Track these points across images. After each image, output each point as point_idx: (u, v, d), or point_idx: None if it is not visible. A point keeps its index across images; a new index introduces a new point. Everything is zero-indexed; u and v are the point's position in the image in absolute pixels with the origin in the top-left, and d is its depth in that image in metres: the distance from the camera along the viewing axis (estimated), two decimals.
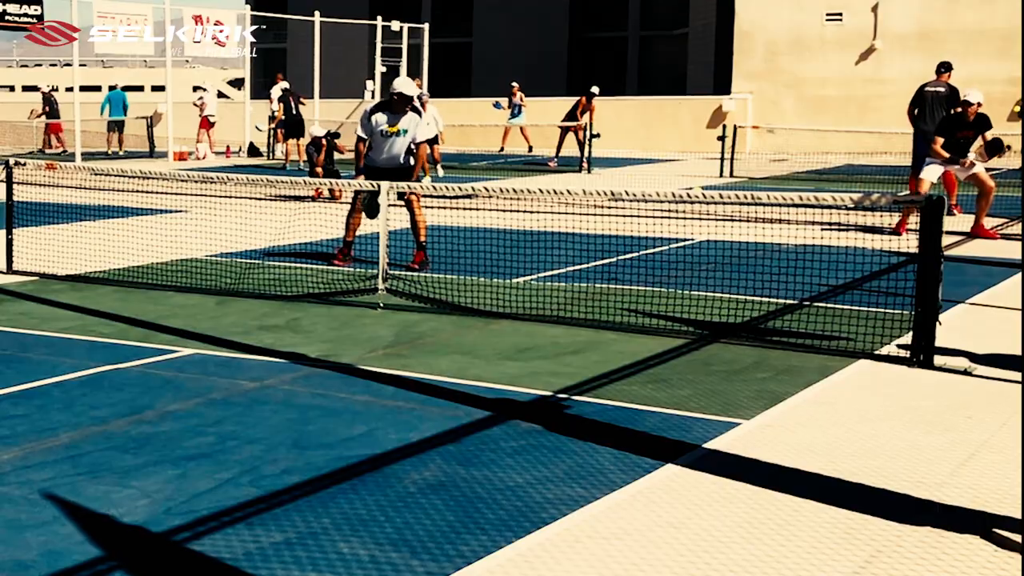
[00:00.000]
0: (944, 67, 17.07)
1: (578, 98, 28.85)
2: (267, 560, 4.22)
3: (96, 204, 16.96)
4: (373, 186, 10.17)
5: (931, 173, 13.83)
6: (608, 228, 13.43)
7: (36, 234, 11.87)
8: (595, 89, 28.38)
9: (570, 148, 27.80)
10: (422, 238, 11.15)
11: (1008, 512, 4.67)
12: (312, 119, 26.41)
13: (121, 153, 31.13)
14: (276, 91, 28.05)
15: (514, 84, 31.39)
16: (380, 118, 11.12)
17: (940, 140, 13.70)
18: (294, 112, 26.59)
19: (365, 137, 11.23)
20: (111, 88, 34.00)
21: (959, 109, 13.97)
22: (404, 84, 11.32)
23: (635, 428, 5.92)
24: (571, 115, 27.91)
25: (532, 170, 26.01)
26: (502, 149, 31.27)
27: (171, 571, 4.20)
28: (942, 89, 16.70)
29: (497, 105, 31.37)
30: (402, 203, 11.14)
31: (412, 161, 11.27)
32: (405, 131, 11.15)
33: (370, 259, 11.00)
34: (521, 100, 31.13)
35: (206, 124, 29.52)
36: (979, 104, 13.60)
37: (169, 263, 11.25)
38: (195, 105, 30.14)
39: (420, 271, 10.89)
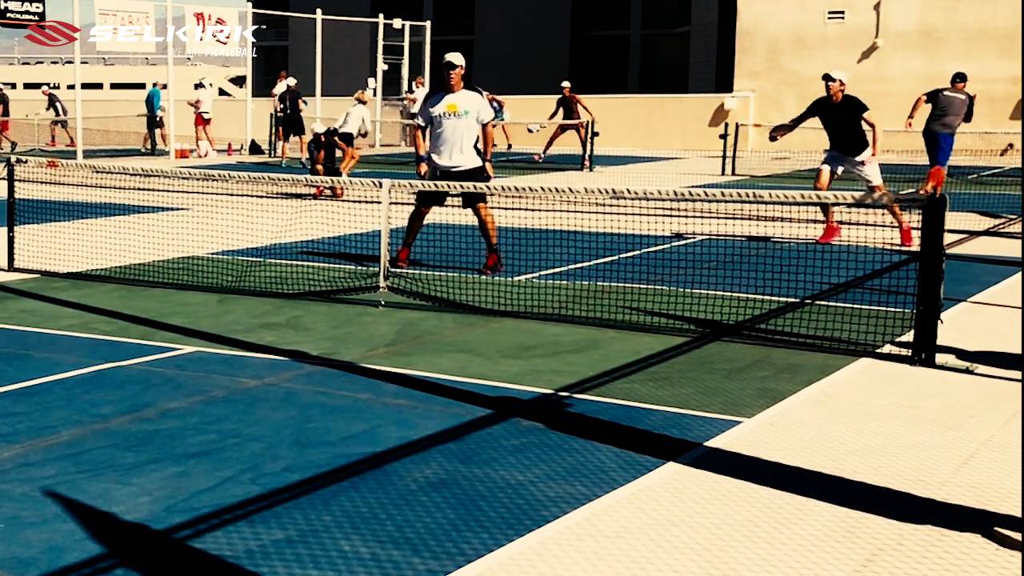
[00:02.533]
0: (960, 77, 17.56)
1: (556, 99, 28.73)
2: (268, 558, 4.22)
3: (97, 202, 16.96)
4: (428, 185, 9.97)
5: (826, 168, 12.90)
6: (610, 226, 13.42)
7: (37, 231, 11.88)
8: (566, 84, 28.45)
9: (571, 146, 27.78)
10: (493, 240, 10.79)
11: (1010, 511, 4.66)
12: (314, 117, 26.43)
13: (143, 149, 30.99)
14: (280, 88, 28.03)
15: (486, 92, 31.79)
16: (437, 100, 10.70)
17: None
18: (289, 111, 26.62)
19: (423, 124, 10.84)
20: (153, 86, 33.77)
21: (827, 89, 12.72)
22: (455, 55, 10.74)
23: (636, 426, 5.91)
24: (566, 115, 27.93)
25: (534, 168, 26.02)
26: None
27: (172, 569, 4.20)
28: (961, 96, 17.20)
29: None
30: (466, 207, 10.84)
31: (480, 160, 10.81)
32: (467, 112, 10.64)
33: (373, 256, 10.99)
34: (497, 102, 31.60)
35: (201, 121, 29.49)
36: (842, 83, 12.56)
37: (170, 261, 11.25)
38: (189, 104, 30.09)
39: (493, 274, 10.57)
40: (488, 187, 9.87)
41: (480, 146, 10.94)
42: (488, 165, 10.92)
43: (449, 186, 9.99)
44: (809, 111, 12.90)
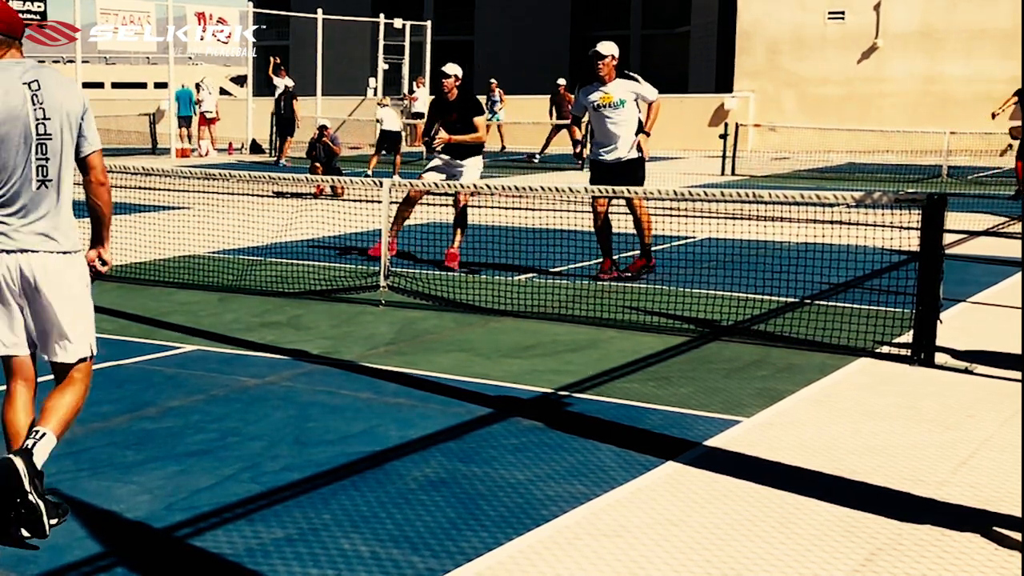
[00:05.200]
0: None
1: (549, 96, 29.16)
2: (268, 556, 4.23)
3: None
4: (597, 190, 9.42)
5: (429, 176, 11.12)
6: None
7: None
8: (561, 81, 28.63)
9: (564, 146, 27.73)
10: (647, 240, 10.25)
11: (1009, 511, 4.67)
12: (315, 116, 26.43)
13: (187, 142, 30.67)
14: (281, 84, 27.97)
15: (492, 81, 32.02)
16: (590, 90, 10.19)
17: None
18: (283, 111, 26.59)
19: (578, 115, 10.59)
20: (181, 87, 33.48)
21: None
22: (604, 44, 10.19)
23: (636, 426, 5.92)
24: (559, 114, 28.11)
25: (534, 168, 26.00)
26: (503, 148, 31.44)
27: (172, 567, 4.21)
28: None
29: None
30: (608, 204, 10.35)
31: (637, 152, 10.13)
32: (623, 101, 10.05)
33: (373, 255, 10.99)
34: (500, 97, 31.65)
35: (203, 121, 29.43)
36: (457, 78, 10.75)
37: (171, 259, 11.25)
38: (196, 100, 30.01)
39: (635, 278, 10.15)
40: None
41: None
42: (642, 137, 10.16)
43: (606, 190, 9.31)
44: (433, 116, 11.21)
